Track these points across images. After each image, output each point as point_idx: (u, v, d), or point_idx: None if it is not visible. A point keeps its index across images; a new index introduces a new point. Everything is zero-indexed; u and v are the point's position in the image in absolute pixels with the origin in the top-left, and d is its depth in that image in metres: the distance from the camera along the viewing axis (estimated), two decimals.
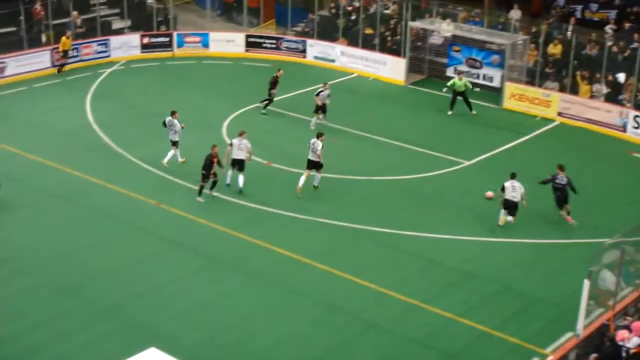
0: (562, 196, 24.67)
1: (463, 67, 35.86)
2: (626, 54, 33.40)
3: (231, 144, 25.99)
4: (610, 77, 32.93)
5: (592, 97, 32.82)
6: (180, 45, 39.63)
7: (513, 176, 24.34)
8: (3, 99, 33.44)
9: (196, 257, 22.53)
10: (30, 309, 20.04)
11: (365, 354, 18.97)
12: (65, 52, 36.41)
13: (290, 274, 21.91)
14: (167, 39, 39.55)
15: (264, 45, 39.99)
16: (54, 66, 36.39)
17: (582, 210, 25.87)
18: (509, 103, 34.17)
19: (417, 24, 37.05)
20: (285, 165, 28.00)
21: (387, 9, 39.70)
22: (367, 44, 38.32)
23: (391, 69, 37.04)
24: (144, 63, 38.27)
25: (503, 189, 24.35)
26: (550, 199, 25.18)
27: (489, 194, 26.20)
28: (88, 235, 23.46)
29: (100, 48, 37.94)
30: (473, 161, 29.07)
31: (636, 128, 31.24)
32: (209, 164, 25.07)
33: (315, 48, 39.10)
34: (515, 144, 30.66)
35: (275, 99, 32.76)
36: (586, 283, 17.73)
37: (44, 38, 37.11)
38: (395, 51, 37.57)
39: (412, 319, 20.25)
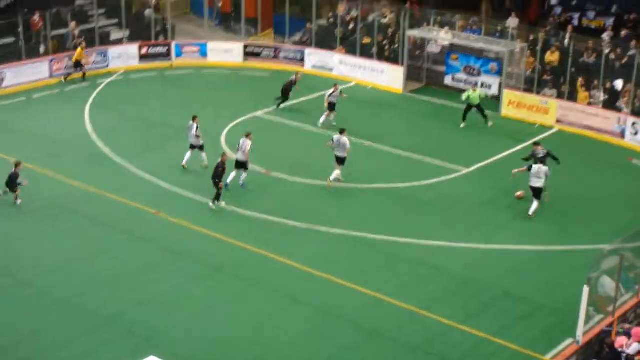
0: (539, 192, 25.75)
1: (461, 75, 35.96)
2: (623, 61, 33.49)
3: (239, 144, 26.60)
4: (608, 84, 33.01)
5: (590, 104, 32.88)
6: (178, 55, 39.70)
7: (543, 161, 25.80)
8: (2, 109, 33.46)
9: (196, 266, 22.53)
10: (30, 318, 20.02)
11: None
12: (77, 62, 36.54)
13: (290, 282, 21.91)
14: (165, 49, 39.62)
15: (262, 54, 40.06)
16: (52, 77, 36.45)
17: (581, 217, 25.96)
18: (507, 110, 34.23)
19: (415, 33, 37.15)
20: (284, 174, 28.02)
21: (385, 18, 39.80)
22: (365, 53, 38.40)
23: (389, 77, 37.11)
24: (142, 73, 38.33)
25: (530, 168, 25.46)
26: (549, 205, 25.21)
27: (519, 193, 26.46)
28: (87, 245, 23.45)
29: (98, 58, 38.00)
30: (472, 168, 29.10)
31: (634, 134, 31.30)
32: (222, 171, 25.18)
33: (314, 57, 39.19)
34: (513, 151, 30.68)
35: (285, 105, 33.62)
36: (586, 289, 17.75)
37: (42, 49, 37.16)
38: (393, 60, 37.65)
39: (412, 326, 20.24)
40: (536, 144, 27.40)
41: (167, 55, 39.54)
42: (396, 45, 38.07)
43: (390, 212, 25.91)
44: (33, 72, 36.01)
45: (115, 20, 41.13)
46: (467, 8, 41.01)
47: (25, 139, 30.60)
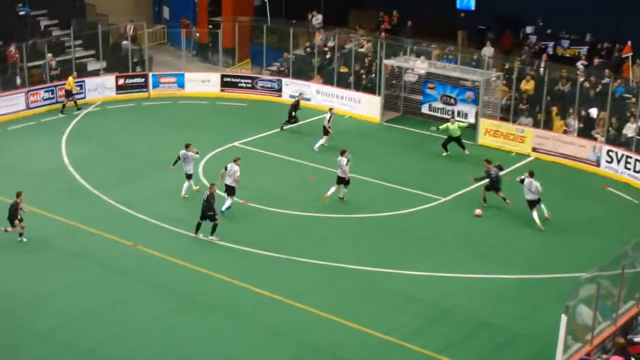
0: (497, 184, 27.90)
1: (438, 104, 36.21)
2: (598, 89, 33.83)
3: (225, 168, 26.78)
4: (583, 113, 33.30)
5: (565, 132, 33.15)
6: (155, 85, 39.71)
7: (531, 175, 26.87)
8: None
9: (174, 298, 22.40)
10: (6, 353, 19.78)
11: None
12: (68, 91, 36.55)
13: (269, 314, 21.82)
14: (142, 80, 39.62)
15: (240, 84, 40.15)
16: (28, 108, 36.34)
17: (558, 245, 26.06)
18: (483, 139, 34.44)
19: (392, 62, 37.39)
20: (261, 205, 27.98)
21: (362, 47, 40.05)
22: (342, 82, 38.58)
23: (366, 106, 37.27)
24: (119, 104, 38.28)
25: (522, 181, 26.96)
26: (527, 234, 25.36)
27: (478, 211, 27.48)
28: (63, 278, 23.28)
29: (75, 90, 37.86)
30: (449, 197, 29.19)
31: (609, 162, 31.55)
32: (213, 202, 25.18)
33: (291, 87, 39.30)
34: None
35: (255, 137, 33.26)
36: (564, 318, 17.77)
37: (18, 80, 37.04)
38: (370, 89, 37.84)
39: (392, 357, 20.20)
40: (488, 161, 28.48)
41: (144, 86, 39.54)
42: (373, 75, 38.29)
43: (368, 242, 25.92)
44: (9, 104, 35.88)
45: (92, 52, 41.15)
46: (443, 37, 41.34)
47: (1, 171, 30.39)
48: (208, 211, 25.19)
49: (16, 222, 24.84)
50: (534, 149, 33.34)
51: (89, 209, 27.47)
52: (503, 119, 34.77)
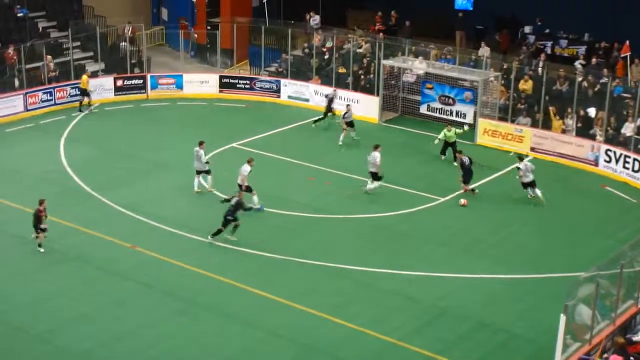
0: (470, 173, 29.06)
1: (436, 104, 36.21)
2: (596, 89, 33.84)
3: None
4: (581, 112, 33.31)
5: (564, 131, 33.15)
6: (154, 87, 39.71)
7: (521, 159, 28.89)
8: None
9: (172, 300, 22.38)
10: (2, 356, 19.76)
11: None
12: (83, 90, 36.74)
13: (267, 315, 21.81)
14: (140, 81, 39.62)
15: (238, 85, 40.15)
16: (27, 110, 36.35)
17: (556, 245, 26.07)
18: (482, 139, 34.45)
19: (390, 62, 37.38)
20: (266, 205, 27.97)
21: (360, 47, 40.05)
22: (341, 83, 38.57)
23: (365, 107, 37.24)
24: (118, 105, 38.27)
25: (518, 169, 28.55)
26: (525, 233, 25.39)
27: (463, 201, 28.31)
28: (62, 280, 23.26)
29: (73, 91, 37.88)
30: (447, 198, 29.18)
31: (608, 162, 31.55)
32: (239, 208, 25.12)
33: (289, 88, 39.31)
34: (489, 179, 30.82)
35: (254, 138, 33.58)
36: (563, 318, 17.78)
37: (16, 82, 37.04)
38: (369, 90, 37.85)
39: (392, 357, 20.20)
40: (459, 152, 29.97)
41: (142, 87, 39.54)
42: (371, 75, 38.29)
43: (367, 243, 25.92)
44: (7, 105, 35.88)
45: (91, 53, 41.15)
46: (441, 37, 41.37)
47: None
48: (229, 215, 25.09)
49: (41, 228, 24.39)
50: (532, 149, 33.34)
51: (87, 211, 27.46)
52: (501, 119, 34.79)
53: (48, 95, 37.18)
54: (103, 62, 40.40)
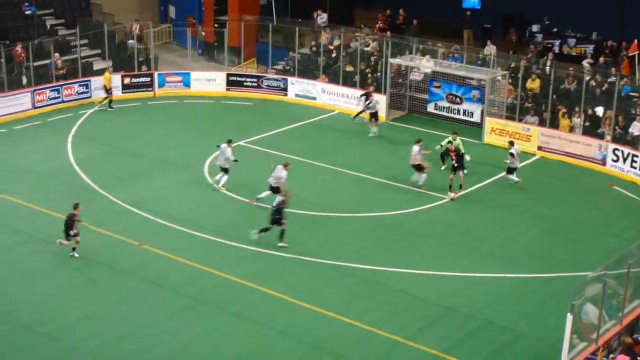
0: (460, 163, 29.02)
1: (444, 103, 36.19)
2: (604, 88, 33.77)
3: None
4: (589, 111, 33.24)
5: (571, 130, 33.09)
6: (161, 85, 39.74)
7: (512, 143, 29.93)
8: None
9: (179, 298, 22.41)
10: (8, 356, 19.80)
11: None
12: (106, 87, 37.01)
13: (274, 313, 21.83)
14: (148, 79, 39.66)
15: (245, 83, 40.16)
16: (35, 107, 36.43)
17: (563, 244, 26.03)
18: (489, 138, 34.40)
19: (398, 61, 37.36)
20: (268, 204, 27.90)
21: (367, 46, 40.03)
22: (348, 81, 38.57)
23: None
24: (125, 103, 38.30)
25: (512, 155, 29.40)
26: (532, 232, 25.37)
27: (452, 195, 28.54)
28: (68, 278, 23.30)
29: (81, 89, 37.98)
30: (455, 196, 29.14)
31: (615, 161, 31.49)
32: (283, 208, 25.07)
33: (296, 86, 39.31)
34: (496, 178, 30.79)
35: (261, 136, 33.21)
36: (569, 317, 17.75)
37: (24, 80, 37.11)
38: (376, 88, 37.79)
39: (397, 356, 20.20)
40: (455, 134, 30.29)
41: (150, 85, 39.59)
42: (379, 74, 38.27)
43: (373, 241, 25.91)
44: (15, 103, 35.95)
45: (98, 51, 41.21)
46: (448, 36, 41.32)
47: (7, 171, 30.47)
48: (276, 215, 25.09)
49: (71, 234, 23.92)
50: (539, 148, 33.29)
51: (94, 208, 27.45)
52: (509, 117, 34.73)
53: (56, 92, 37.25)
54: (110, 59, 40.47)
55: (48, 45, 38.65)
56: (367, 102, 34.68)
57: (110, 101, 37.52)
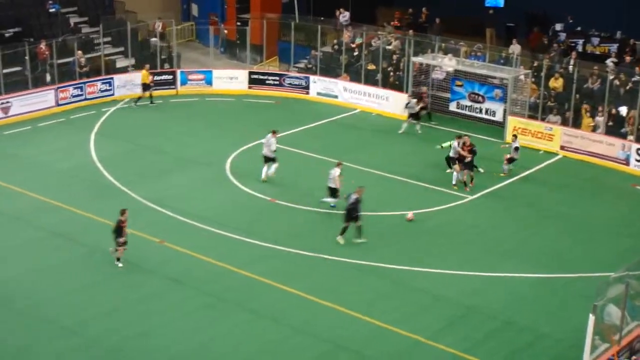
0: (472, 160, 29.35)
1: (466, 102, 36.08)
2: (628, 87, 33.52)
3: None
4: (612, 111, 33.02)
5: (593, 130, 32.88)
6: (183, 82, 39.88)
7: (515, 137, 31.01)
8: (7, 138, 33.60)
9: (199, 295, 22.47)
10: (32, 349, 19.97)
11: None
12: (144, 84, 37.38)
13: (294, 311, 21.85)
14: (170, 77, 39.81)
15: (267, 81, 40.22)
16: (58, 105, 36.66)
17: (584, 244, 25.88)
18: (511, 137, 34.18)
19: (420, 59, 37.26)
20: (288, 202, 28.01)
21: (390, 44, 39.96)
22: (370, 80, 38.53)
23: (394, 104, 37.17)
24: (147, 101, 38.39)
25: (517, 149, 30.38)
26: (552, 232, 25.28)
27: (410, 215, 27.09)
28: (90, 274, 23.42)
29: (104, 87, 38.19)
30: (476, 196, 29.06)
31: (639, 161, 31.24)
32: (358, 204, 25.16)
33: (318, 84, 39.32)
34: (518, 177, 30.66)
35: (283, 134, 33.06)
36: (591, 318, 17.65)
37: (48, 77, 37.35)
38: (398, 86, 37.75)
39: (417, 355, 20.17)
40: (460, 136, 29.94)
41: (172, 83, 39.73)
42: (401, 72, 38.19)
43: (394, 240, 25.86)
44: (39, 100, 36.21)
45: (121, 49, 41.41)
46: (471, 35, 41.16)
47: (30, 168, 30.69)
48: (353, 213, 25.13)
49: (120, 242, 23.45)
50: (562, 147, 33.10)
51: (116, 206, 27.44)
52: (531, 116, 34.55)
53: (79, 90, 37.47)
54: (133, 57, 40.65)
55: (71, 43, 38.87)
56: (407, 102, 34.57)
57: (151, 96, 37.87)
